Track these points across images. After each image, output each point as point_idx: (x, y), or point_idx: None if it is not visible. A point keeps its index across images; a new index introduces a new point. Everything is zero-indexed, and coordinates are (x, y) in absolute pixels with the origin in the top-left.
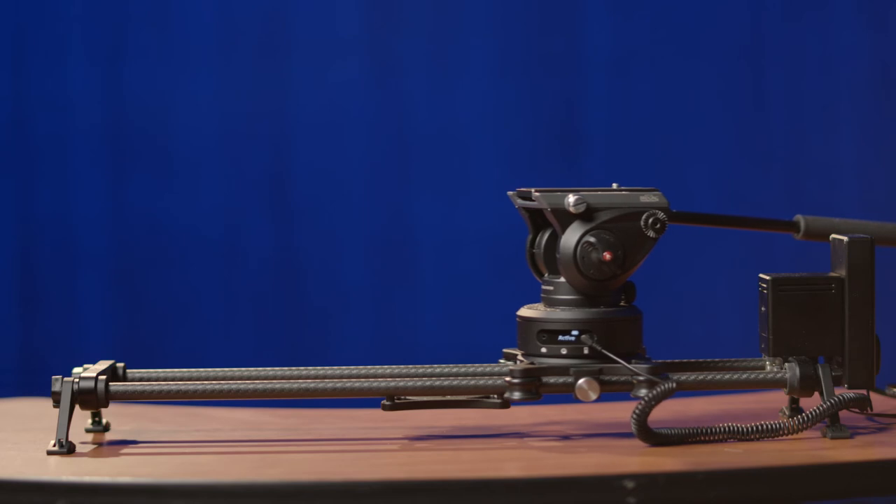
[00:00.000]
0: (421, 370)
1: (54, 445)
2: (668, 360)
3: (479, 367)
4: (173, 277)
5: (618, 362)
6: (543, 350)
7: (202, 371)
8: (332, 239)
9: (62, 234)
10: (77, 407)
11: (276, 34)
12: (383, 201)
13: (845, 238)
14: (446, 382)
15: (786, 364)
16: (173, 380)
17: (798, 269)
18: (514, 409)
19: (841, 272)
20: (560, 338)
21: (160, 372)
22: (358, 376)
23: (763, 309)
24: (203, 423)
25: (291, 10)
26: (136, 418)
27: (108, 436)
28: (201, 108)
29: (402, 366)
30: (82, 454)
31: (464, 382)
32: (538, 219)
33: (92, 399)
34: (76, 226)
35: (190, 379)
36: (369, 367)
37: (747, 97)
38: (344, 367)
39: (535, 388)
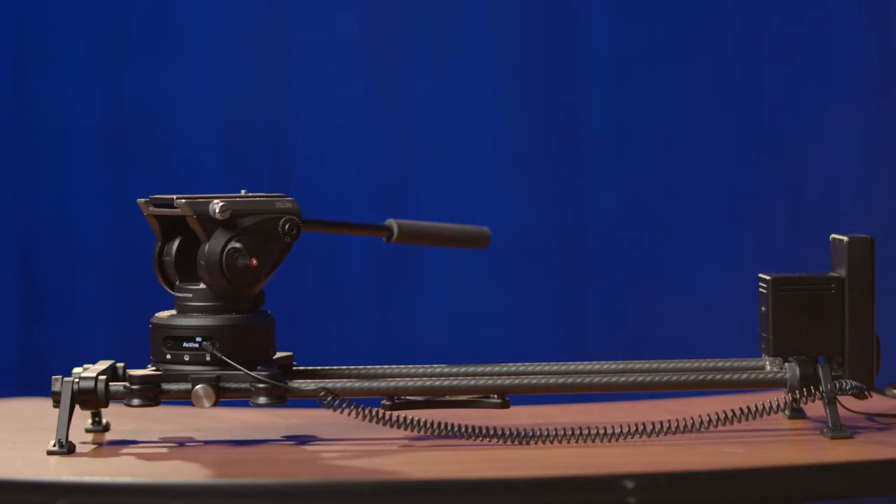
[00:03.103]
0: (421, 370)
1: (54, 445)
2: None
3: (479, 368)
4: None
5: (237, 369)
6: (168, 356)
7: None
8: (332, 239)
9: (62, 234)
10: (77, 407)
11: (276, 34)
12: (384, 201)
13: (845, 238)
14: (446, 382)
15: (786, 364)
16: None
17: (798, 269)
18: (514, 409)
19: (841, 272)
20: (185, 344)
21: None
22: (358, 376)
23: (763, 309)
24: (203, 423)
25: (291, 10)
26: (136, 418)
27: (108, 436)
28: (202, 108)
29: (402, 366)
30: (82, 454)
31: (464, 382)
32: (168, 226)
33: (92, 399)
34: (76, 226)
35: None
36: (369, 367)
37: (747, 97)
38: (344, 366)
39: (155, 394)
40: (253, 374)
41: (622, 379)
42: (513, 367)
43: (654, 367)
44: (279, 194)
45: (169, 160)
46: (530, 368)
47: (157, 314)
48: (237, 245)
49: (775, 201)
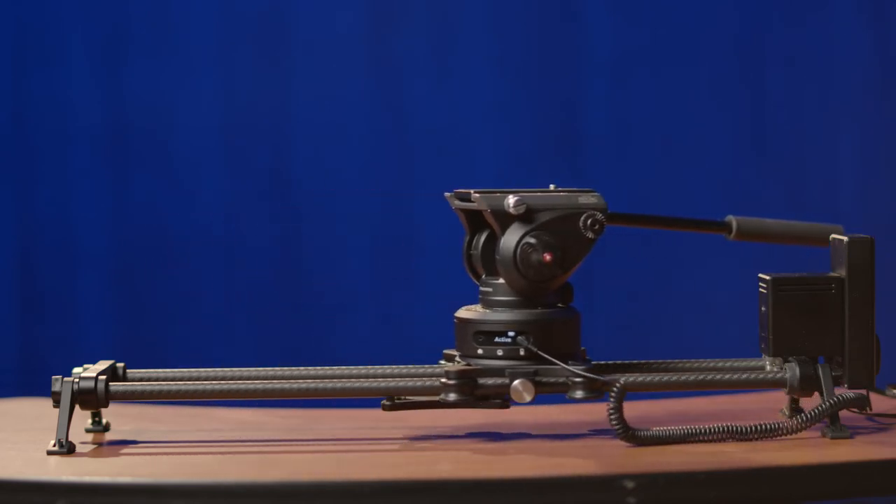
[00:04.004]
0: (421, 370)
1: (54, 445)
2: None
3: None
4: (174, 277)
5: (554, 363)
6: (480, 351)
7: (202, 371)
8: (333, 239)
9: (62, 234)
10: (77, 407)
11: (276, 34)
12: (384, 201)
13: (845, 238)
14: (655, 378)
15: (786, 364)
16: (173, 380)
17: (798, 269)
18: (514, 409)
19: (841, 272)
20: (496, 339)
21: (160, 372)
22: (358, 376)
23: (763, 309)
24: (203, 423)
25: (291, 10)
26: (136, 418)
27: (108, 436)
28: (202, 108)
29: (402, 366)
30: (82, 454)
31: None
32: (475, 220)
33: (92, 399)
34: (76, 226)
35: (190, 379)
36: (369, 367)
37: (747, 97)
38: (344, 367)
39: (471, 389)
40: (571, 368)
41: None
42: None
43: (654, 367)
44: (586, 189)
45: (169, 160)
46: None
47: (462, 308)
48: (531, 240)
49: (775, 201)
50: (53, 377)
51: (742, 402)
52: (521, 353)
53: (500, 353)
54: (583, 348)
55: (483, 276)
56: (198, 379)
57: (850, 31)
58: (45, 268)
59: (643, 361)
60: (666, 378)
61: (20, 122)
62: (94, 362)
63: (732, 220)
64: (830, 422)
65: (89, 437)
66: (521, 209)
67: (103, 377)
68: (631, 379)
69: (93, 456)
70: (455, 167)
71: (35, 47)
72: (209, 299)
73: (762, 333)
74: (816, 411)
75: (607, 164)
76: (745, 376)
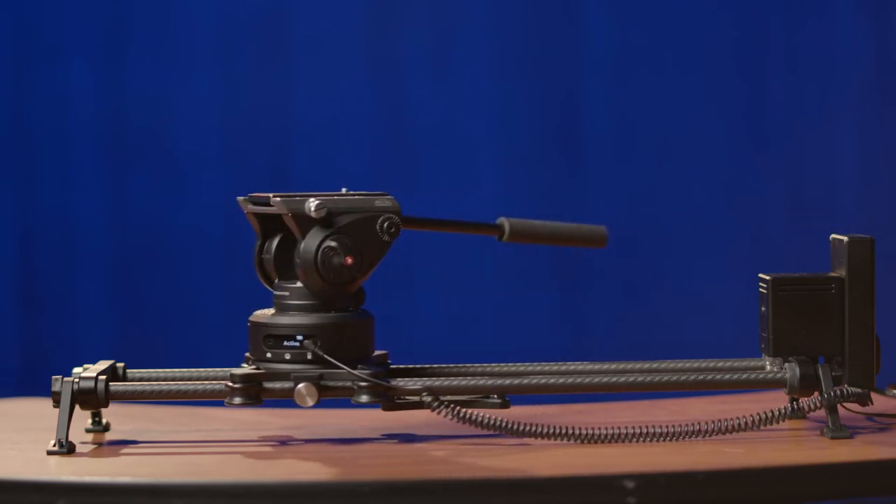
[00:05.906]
0: (421, 370)
1: (54, 445)
2: (407, 366)
3: (478, 367)
4: (174, 277)
5: (339, 367)
6: (268, 355)
7: (202, 371)
8: None
9: (62, 234)
10: (77, 407)
11: (276, 34)
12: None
13: (845, 238)
14: (446, 382)
15: (786, 364)
16: (173, 380)
17: (798, 269)
18: (513, 409)
19: (841, 272)
20: (285, 343)
21: (160, 372)
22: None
23: (763, 309)
24: (203, 423)
25: (291, 10)
26: (136, 418)
27: (108, 436)
28: (202, 108)
29: (402, 366)
30: (82, 454)
31: (464, 382)
32: (267, 224)
33: (92, 399)
34: (76, 226)
35: (190, 379)
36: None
37: (747, 97)
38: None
39: (257, 393)
40: (355, 372)
41: (622, 379)
42: (513, 367)
43: (654, 367)
44: (379, 192)
45: (169, 160)
46: (530, 368)
47: (255, 312)
48: (332, 244)
49: (775, 201)
50: (53, 377)
51: (742, 402)
52: (309, 356)
53: (287, 356)
54: (384, 352)
55: (276, 281)
56: (198, 379)
57: (850, 31)
58: (45, 268)
59: (444, 365)
60: (666, 378)
61: (21, 121)
62: (94, 362)
63: (504, 221)
64: (830, 422)
65: (89, 437)
66: (322, 213)
67: (103, 377)
68: (631, 379)
69: (93, 456)
70: (454, 167)
71: (36, 46)
72: (209, 299)
73: (762, 333)
74: (777, 412)
75: (607, 164)
76: (745, 376)
